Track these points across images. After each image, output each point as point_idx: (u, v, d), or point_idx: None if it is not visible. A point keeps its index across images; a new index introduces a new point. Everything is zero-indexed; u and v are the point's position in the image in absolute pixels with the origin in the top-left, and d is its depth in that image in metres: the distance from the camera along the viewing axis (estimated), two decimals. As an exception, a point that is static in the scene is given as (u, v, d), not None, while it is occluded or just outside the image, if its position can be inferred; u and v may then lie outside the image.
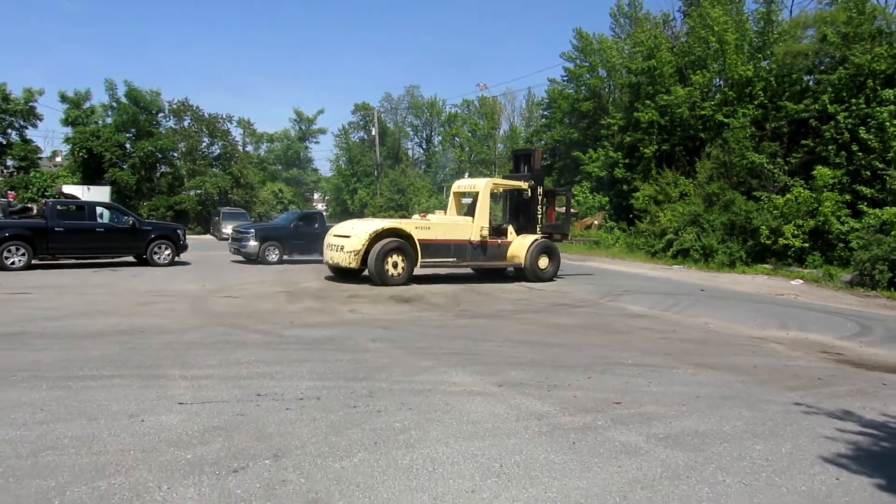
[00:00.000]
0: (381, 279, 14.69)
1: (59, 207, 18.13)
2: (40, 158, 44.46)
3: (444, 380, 6.34)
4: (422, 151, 70.80)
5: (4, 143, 40.87)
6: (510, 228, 17.60)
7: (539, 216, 17.82)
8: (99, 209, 18.94)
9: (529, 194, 17.70)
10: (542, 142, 48.29)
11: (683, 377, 7.05)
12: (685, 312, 12.82)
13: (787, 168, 28.49)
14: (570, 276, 19.83)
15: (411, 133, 71.19)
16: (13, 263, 16.29)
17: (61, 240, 17.08)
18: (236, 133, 51.35)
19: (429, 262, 15.77)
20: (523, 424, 5.02)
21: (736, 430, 5.20)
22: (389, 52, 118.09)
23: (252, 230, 20.68)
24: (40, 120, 42.83)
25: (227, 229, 28.07)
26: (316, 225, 21.35)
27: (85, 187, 33.72)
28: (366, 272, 15.17)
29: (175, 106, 44.58)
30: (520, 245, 17.21)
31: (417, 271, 15.78)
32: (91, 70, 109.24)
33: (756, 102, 30.51)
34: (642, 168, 35.14)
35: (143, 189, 41.86)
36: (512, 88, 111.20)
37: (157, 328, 8.80)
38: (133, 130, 42.61)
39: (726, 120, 30.85)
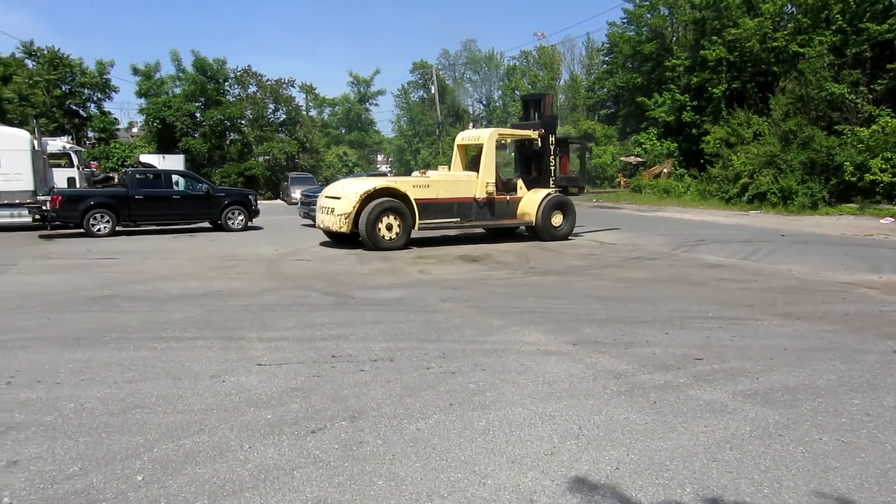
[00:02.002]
0: (373, 243, 13.65)
1: (138, 176, 18.82)
2: (118, 129, 46.26)
3: (517, 339, 6.25)
4: (482, 107, 69.85)
5: (85, 115, 42.65)
6: (520, 183, 16.12)
7: (552, 168, 16.26)
8: (175, 177, 19.62)
9: (540, 144, 16.06)
10: (605, 89, 46.86)
11: (768, 329, 6.72)
12: (766, 260, 12.27)
13: (871, 97, 26.61)
14: (620, 229, 19.31)
15: (471, 89, 70.23)
16: (99, 230, 17.12)
17: (141, 207, 17.79)
18: (299, 98, 51.84)
19: (429, 224, 14.63)
20: (601, 384, 4.89)
21: (830, 384, 4.91)
22: (444, 6, 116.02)
23: (320, 194, 20.93)
24: (116, 92, 44.52)
25: (296, 194, 28.54)
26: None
27: (161, 156, 34.90)
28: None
29: (239, 74, 45.30)
30: (530, 201, 15.76)
31: (416, 234, 14.74)
32: (155, 40, 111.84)
33: (834, 27, 28.38)
34: (712, 109, 33.59)
35: (214, 156, 42.98)
36: (571, 36, 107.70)
37: (234, 291, 9.04)
38: (202, 99, 43.64)
39: (801, 50, 28.93)
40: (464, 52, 68.39)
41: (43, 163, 19.70)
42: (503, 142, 16.92)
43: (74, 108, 42.03)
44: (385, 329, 6.66)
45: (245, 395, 4.64)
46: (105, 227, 17.25)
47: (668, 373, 5.16)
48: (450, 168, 16.69)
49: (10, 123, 28.26)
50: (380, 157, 72.70)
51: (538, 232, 15.70)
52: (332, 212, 14.09)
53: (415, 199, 14.24)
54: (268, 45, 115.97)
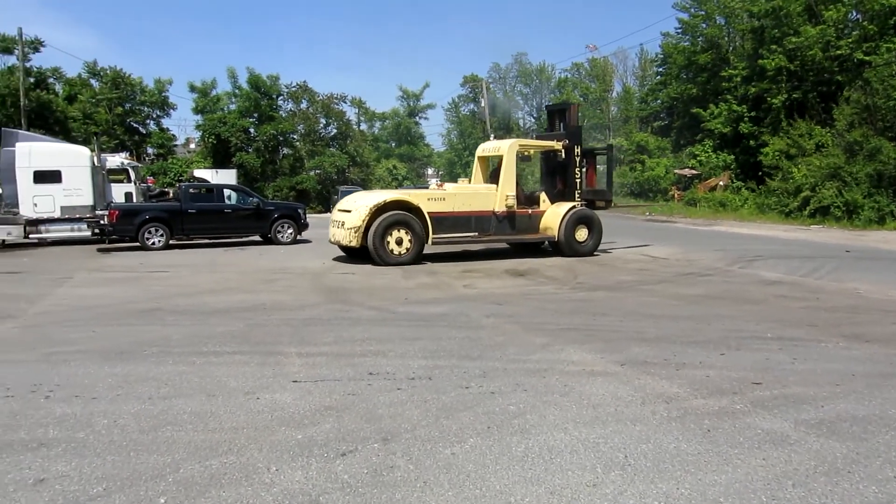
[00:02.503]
0: (381, 258, 13.25)
1: (191, 191, 19.25)
2: (176, 146, 47.77)
3: (562, 358, 5.99)
4: (533, 120, 69.62)
5: (144, 132, 44.17)
6: (543, 196, 15.44)
7: (577, 180, 15.48)
8: (226, 191, 19.94)
9: (564, 155, 15.34)
10: (658, 100, 46.10)
11: (833, 352, 6.28)
12: (829, 277, 11.65)
13: (943, 106, 25.31)
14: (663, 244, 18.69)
15: (521, 102, 70.10)
16: (153, 244, 17.52)
17: (194, 221, 18.14)
18: (350, 112, 52.55)
19: (444, 239, 14.05)
20: (650, 408, 4.59)
21: (904, 416, 4.50)
22: (494, 20, 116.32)
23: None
24: (173, 109, 46.11)
25: (345, 207, 28.69)
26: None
27: (214, 171, 35.71)
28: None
29: (293, 90, 46.19)
30: (553, 215, 15.01)
31: (430, 249, 14.24)
32: (212, 58, 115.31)
33: (903, 33, 27.18)
34: (771, 120, 32.53)
35: (267, 171, 43.81)
36: (623, 47, 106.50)
37: (278, 305, 9.03)
38: (255, 115, 44.65)
39: (867, 58, 27.74)
40: (514, 65, 68.43)
41: (102, 178, 20.32)
42: (527, 153, 16.38)
43: (135, 125, 43.61)
44: (425, 346, 6.48)
45: (278, 413, 4.52)
46: (159, 241, 17.64)
47: (724, 398, 4.82)
48: (470, 181, 16.16)
49: (75, 141, 29.40)
50: (430, 171, 73.07)
51: (561, 247, 14.98)
52: (343, 225, 13.76)
53: (428, 213, 13.79)
54: (319, 60, 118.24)
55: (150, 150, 44.69)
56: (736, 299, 9.41)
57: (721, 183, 35.33)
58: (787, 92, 31.60)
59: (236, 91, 44.96)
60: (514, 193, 14.76)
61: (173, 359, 6.00)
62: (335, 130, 47.92)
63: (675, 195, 38.23)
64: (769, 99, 32.23)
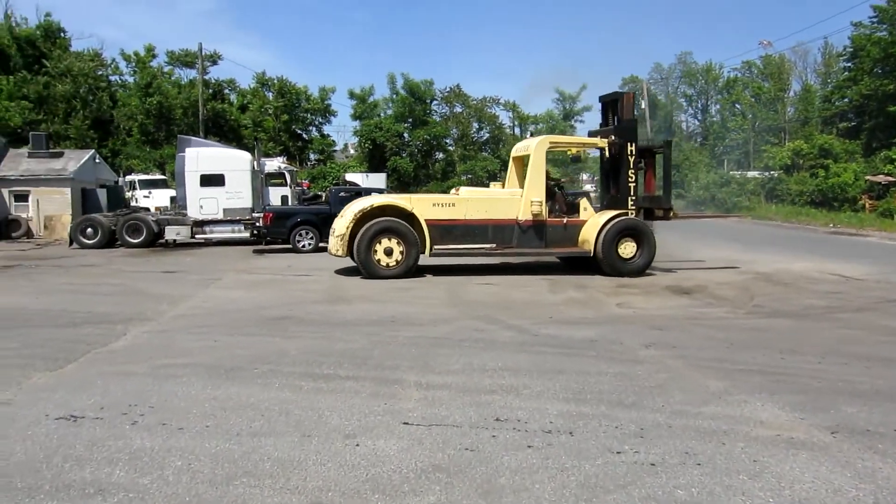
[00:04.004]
0: (367, 270, 12.11)
1: (341, 194, 19.38)
2: (335, 151, 49.73)
3: (745, 415, 4.61)
4: (697, 123, 65.22)
5: (307, 138, 46.42)
6: (584, 203, 13.26)
7: (631, 185, 13.02)
8: (374, 195, 19.88)
9: (612, 153, 13.11)
10: (846, 99, 41.17)
11: None
12: None
13: None
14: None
15: (685, 104, 65.96)
16: (304, 246, 17.83)
17: (343, 224, 18.19)
18: (504, 116, 51.95)
19: (449, 249, 12.56)
20: (891, 515, 3.19)
21: None
22: (655, 18, 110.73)
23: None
24: (334, 116, 47.96)
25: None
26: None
27: (364, 175, 36.53)
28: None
29: (446, 94, 46.46)
30: (593, 225, 12.70)
31: (431, 261, 12.81)
32: (373, 66, 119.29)
33: None
34: None
35: (419, 175, 44.33)
36: (803, 42, 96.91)
37: (408, 318, 8.35)
38: (410, 120, 45.36)
39: None
40: (678, 65, 64.62)
41: (261, 182, 21.07)
42: (575, 153, 14.16)
43: (298, 131, 45.89)
44: (568, 383, 5.38)
45: (375, 470, 3.65)
46: (309, 244, 17.90)
47: None
48: (504, 185, 14.26)
49: (245, 147, 31.13)
50: (584, 177, 70.85)
51: (599, 264, 12.64)
52: (334, 233, 12.70)
53: (429, 220, 12.37)
54: (473, 65, 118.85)
55: (311, 156, 46.84)
56: (974, 339, 7.35)
57: (925, 191, 30.57)
58: None
59: (393, 96, 45.99)
60: (542, 199, 12.68)
61: (280, 381, 5.38)
62: (487, 135, 47.63)
63: (867, 205, 33.65)
64: None
